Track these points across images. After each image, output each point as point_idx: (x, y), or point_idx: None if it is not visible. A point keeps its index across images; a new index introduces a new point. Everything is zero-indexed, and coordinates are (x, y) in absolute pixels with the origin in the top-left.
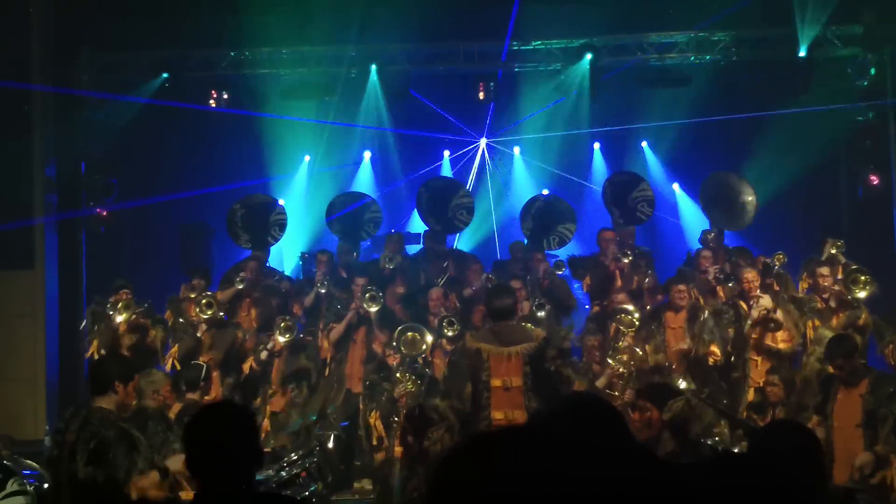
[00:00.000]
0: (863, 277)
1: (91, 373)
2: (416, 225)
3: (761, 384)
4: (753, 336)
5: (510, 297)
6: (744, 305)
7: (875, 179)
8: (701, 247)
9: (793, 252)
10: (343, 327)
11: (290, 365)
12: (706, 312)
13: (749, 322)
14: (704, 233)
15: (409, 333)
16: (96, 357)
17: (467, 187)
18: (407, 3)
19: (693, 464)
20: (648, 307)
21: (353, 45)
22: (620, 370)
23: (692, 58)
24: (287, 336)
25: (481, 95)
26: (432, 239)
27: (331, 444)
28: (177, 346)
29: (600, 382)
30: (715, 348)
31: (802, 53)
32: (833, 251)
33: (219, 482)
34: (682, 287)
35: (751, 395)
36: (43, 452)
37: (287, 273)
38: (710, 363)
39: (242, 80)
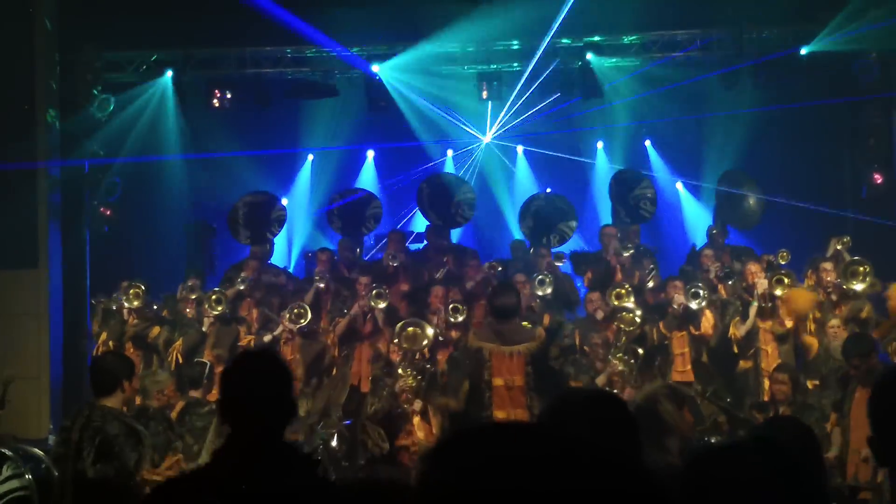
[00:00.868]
0: (861, 269)
1: (94, 374)
2: (419, 223)
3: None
4: (760, 325)
5: (513, 295)
6: (749, 298)
7: (879, 178)
8: (707, 242)
9: (797, 250)
10: (346, 323)
11: (306, 354)
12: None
13: (755, 305)
14: (710, 228)
15: (410, 329)
16: (101, 350)
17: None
18: (411, 1)
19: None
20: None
21: (357, 45)
22: (620, 368)
23: (694, 55)
24: (300, 322)
25: (484, 94)
26: (434, 233)
27: (334, 443)
28: (181, 340)
29: (600, 380)
30: (708, 322)
31: (804, 52)
32: (839, 247)
33: (249, 429)
34: (677, 283)
35: (767, 385)
36: (47, 451)
37: (290, 271)
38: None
39: (246, 79)
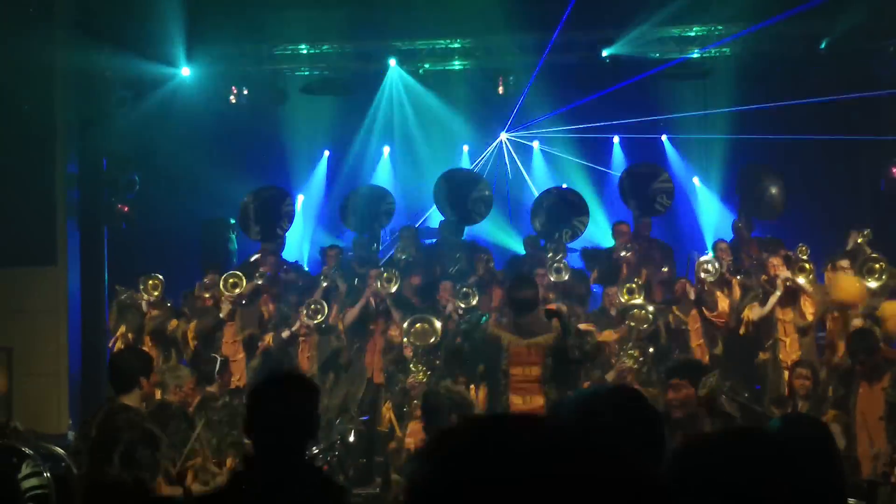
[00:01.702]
0: (877, 266)
1: (113, 371)
2: (435, 219)
3: (789, 364)
4: (780, 316)
5: (532, 288)
6: (770, 290)
7: None
8: (733, 236)
9: (814, 244)
10: (357, 310)
11: (322, 348)
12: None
13: (776, 294)
14: (735, 222)
15: (419, 325)
16: (123, 343)
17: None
18: None
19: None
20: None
21: (373, 41)
22: (630, 365)
23: (713, 51)
24: (317, 318)
25: (501, 90)
26: (448, 229)
27: (352, 438)
28: (195, 321)
29: (609, 376)
30: (723, 306)
31: (823, 45)
32: (860, 241)
33: (273, 449)
34: (684, 281)
35: (786, 377)
36: (67, 447)
37: (306, 268)
38: (719, 325)
39: (262, 77)
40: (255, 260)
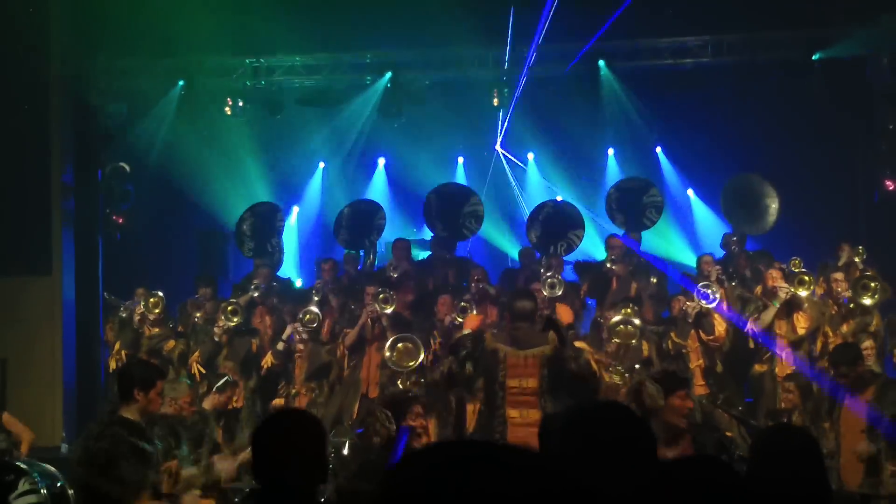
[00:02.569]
0: (873, 284)
1: (116, 380)
2: (429, 231)
3: (782, 378)
4: (777, 331)
5: (531, 300)
6: (768, 302)
7: (891, 184)
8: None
9: (808, 256)
10: (357, 332)
11: (313, 360)
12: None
13: (774, 306)
14: (726, 236)
15: (401, 344)
16: (115, 360)
17: (480, 194)
18: (423, 9)
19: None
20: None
21: (368, 52)
22: (617, 381)
23: (706, 61)
24: (312, 326)
25: (495, 102)
26: (439, 245)
27: (346, 451)
28: (198, 350)
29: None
30: (720, 330)
31: (817, 57)
32: (857, 259)
33: (280, 490)
34: (681, 298)
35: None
36: (61, 458)
37: (302, 279)
38: (715, 346)
39: (258, 88)
40: (251, 274)
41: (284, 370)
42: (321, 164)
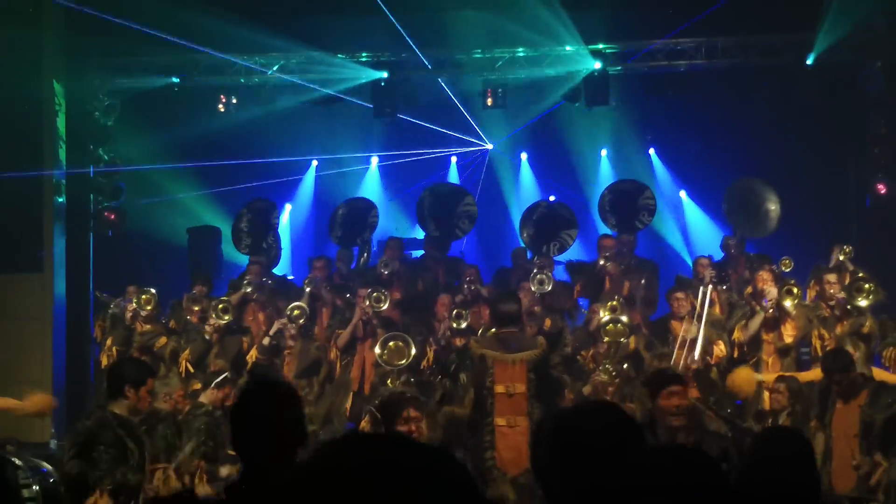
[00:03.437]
0: (867, 286)
1: (106, 376)
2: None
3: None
4: (764, 336)
5: (515, 303)
6: (756, 306)
7: (883, 188)
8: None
9: (800, 259)
10: (349, 332)
11: (303, 357)
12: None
13: (761, 314)
14: (726, 238)
15: (392, 343)
16: (107, 356)
17: (473, 194)
18: (421, 8)
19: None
20: (642, 316)
21: (364, 51)
22: (606, 379)
23: (700, 63)
24: (300, 321)
25: (489, 101)
26: (431, 244)
27: None
28: (188, 349)
29: (586, 389)
30: (721, 346)
31: (810, 61)
32: (842, 258)
33: (261, 461)
34: (679, 295)
35: (766, 397)
36: (50, 455)
37: (294, 277)
38: (714, 361)
39: (251, 85)
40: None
41: (271, 366)
42: (314, 162)
